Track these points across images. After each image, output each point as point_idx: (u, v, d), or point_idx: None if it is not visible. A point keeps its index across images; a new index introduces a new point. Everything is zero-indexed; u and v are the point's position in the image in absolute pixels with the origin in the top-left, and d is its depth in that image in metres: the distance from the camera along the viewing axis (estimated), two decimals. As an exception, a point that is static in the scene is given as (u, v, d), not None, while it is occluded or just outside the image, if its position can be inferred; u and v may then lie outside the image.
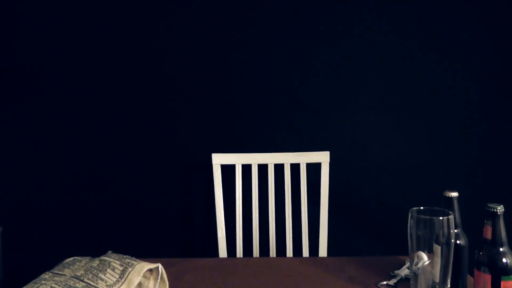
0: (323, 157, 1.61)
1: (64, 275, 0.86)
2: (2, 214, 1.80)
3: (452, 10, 1.73)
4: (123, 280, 0.86)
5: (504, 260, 0.81)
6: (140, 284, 0.91)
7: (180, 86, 1.78)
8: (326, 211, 1.60)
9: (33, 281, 0.85)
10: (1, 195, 1.81)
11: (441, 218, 0.82)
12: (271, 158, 1.62)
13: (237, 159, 1.61)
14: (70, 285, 0.82)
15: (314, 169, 1.64)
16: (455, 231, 0.89)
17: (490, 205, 0.82)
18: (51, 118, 1.79)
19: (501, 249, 0.81)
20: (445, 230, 0.82)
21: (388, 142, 1.77)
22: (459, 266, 0.91)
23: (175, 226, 1.82)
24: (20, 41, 1.78)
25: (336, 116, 1.76)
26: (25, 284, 0.84)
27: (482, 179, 1.76)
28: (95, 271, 0.87)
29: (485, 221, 0.83)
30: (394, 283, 1.03)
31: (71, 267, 0.91)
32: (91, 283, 0.83)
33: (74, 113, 1.79)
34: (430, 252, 0.83)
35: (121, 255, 0.95)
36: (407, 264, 1.12)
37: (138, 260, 0.93)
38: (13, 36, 1.78)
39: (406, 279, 1.05)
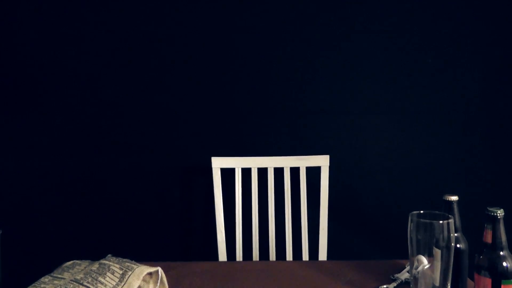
0: (322, 161, 1.61)
1: (64, 278, 0.86)
2: (2, 217, 1.80)
3: (453, 13, 1.73)
4: (122, 284, 0.86)
5: (504, 264, 0.81)
6: (139, 287, 0.90)
7: (180, 89, 1.78)
8: (326, 215, 1.60)
9: (33, 284, 0.85)
10: (1, 198, 1.81)
11: (441, 222, 0.82)
12: (271, 162, 1.62)
13: (237, 163, 1.61)
14: (69, 289, 0.81)
15: (313, 173, 1.64)
16: (455, 235, 0.89)
17: (490, 209, 0.82)
18: (52, 121, 1.79)
19: (501, 253, 0.81)
20: (445, 234, 0.82)
21: (388, 146, 1.77)
22: (459, 270, 0.91)
23: (175, 230, 1.82)
24: (21, 42, 1.78)
25: (336, 120, 1.77)
26: (25, 287, 0.84)
27: (482, 183, 1.76)
28: (94, 274, 0.87)
29: (485, 225, 0.83)
30: (394, 287, 1.03)
31: (70, 270, 0.90)
32: (91, 286, 0.83)
33: (74, 116, 1.79)
34: (430, 256, 0.83)
35: (121, 258, 0.95)
36: (407, 268, 1.12)
37: (137, 264, 0.93)
38: (14, 37, 1.78)
39: (406, 283, 1.05)
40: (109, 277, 0.87)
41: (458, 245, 0.90)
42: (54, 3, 1.77)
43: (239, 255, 1.60)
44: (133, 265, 0.92)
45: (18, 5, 1.77)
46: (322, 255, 1.59)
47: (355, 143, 1.77)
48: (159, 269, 0.95)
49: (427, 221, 0.82)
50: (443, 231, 0.82)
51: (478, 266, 0.83)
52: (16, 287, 1.08)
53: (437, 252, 0.82)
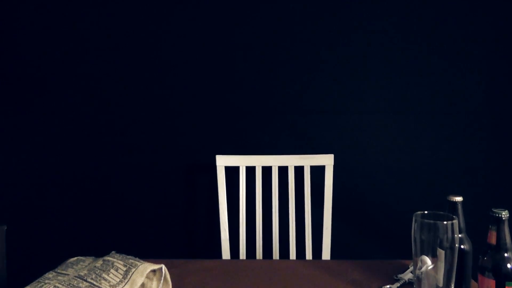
0: (327, 160, 1.60)
1: (68, 274, 0.87)
2: (6, 213, 1.81)
3: (456, 12, 1.72)
4: (126, 281, 0.86)
5: (508, 265, 0.80)
6: (143, 284, 0.91)
7: (184, 88, 1.78)
8: (329, 214, 1.59)
9: (37, 280, 0.85)
10: (6, 194, 1.82)
11: (445, 222, 0.81)
12: (275, 160, 1.62)
13: (241, 161, 1.61)
14: (73, 285, 0.82)
15: (318, 172, 1.64)
16: (459, 235, 0.89)
17: (495, 210, 0.81)
18: (56, 119, 1.80)
19: (505, 255, 0.81)
20: (449, 234, 0.81)
21: (392, 146, 1.76)
22: (463, 271, 0.91)
23: (179, 228, 1.82)
24: (22, 42, 1.79)
25: (341, 119, 1.76)
26: (29, 283, 0.84)
27: (487, 184, 1.75)
28: (98, 271, 0.87)
29: (490, 226, 0.83)
30: (398, 287, 1.03)
31: (74, 266, 0.91)
32: (95, 283, 0.83)
33: (78, 114, 1.80)
34: (434, 256, 0.82)
35: (125, 255, 0.95)
36: (411, 268, 1.12)
37: (141, 261, 0.93)
38: (14, 37, 1.79)
39: (409, 283, 1.05)
40: (113, 274, 0.87)
41: (462, 246, 0.90)
42: (54, 3, 1.77)
43: (242, 254, 1.60)
44: (137, 262, 0.92)
45: (18, 5, 1.78)
46: (326, 254, 1.59)
47: (359, 143, 1.76)
48: (163, 266, 0.95)
49: (431, 221, 0.82)
50: (447, 232, 0.81)
51: (482, 267, 0.83)
52: (21, 282, 1.09)
53: (441, 253, 0.82)
